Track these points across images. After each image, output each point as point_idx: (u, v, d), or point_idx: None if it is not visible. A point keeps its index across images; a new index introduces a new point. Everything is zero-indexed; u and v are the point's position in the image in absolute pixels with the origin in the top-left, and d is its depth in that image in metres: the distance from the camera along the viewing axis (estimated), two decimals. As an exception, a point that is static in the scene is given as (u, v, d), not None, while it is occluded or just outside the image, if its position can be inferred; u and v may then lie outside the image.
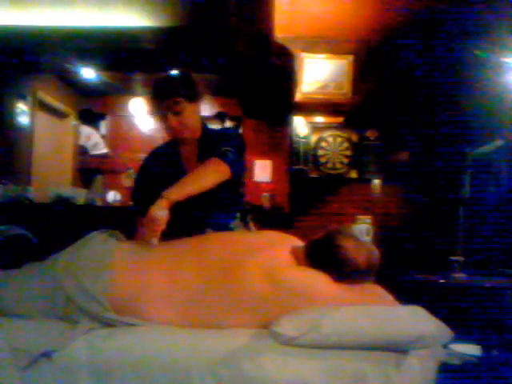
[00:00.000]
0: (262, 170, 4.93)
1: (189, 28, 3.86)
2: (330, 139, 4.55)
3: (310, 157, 4.57)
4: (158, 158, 1.99)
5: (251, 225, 2.05)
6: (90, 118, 5.82)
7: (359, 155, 4.51)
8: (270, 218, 4.25)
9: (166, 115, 1.79)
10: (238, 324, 1.41)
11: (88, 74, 4.70)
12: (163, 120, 1.82)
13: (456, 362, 2.61)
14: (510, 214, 3.70)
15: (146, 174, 2.00)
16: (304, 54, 4.46)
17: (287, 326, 1.32)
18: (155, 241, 1.52)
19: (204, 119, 2.00)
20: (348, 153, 4.53)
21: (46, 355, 1.30)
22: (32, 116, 4.75)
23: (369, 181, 4.49)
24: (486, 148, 3.14)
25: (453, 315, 1.77)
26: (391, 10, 4.35)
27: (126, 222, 2.08)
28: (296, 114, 4.56)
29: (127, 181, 5.21)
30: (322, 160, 4.55)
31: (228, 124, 5.34)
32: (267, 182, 5.06)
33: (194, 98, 1.82)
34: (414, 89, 4.37)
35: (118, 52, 4.01)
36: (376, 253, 1.53)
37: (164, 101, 1.78)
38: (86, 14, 3.84)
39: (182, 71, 1.94)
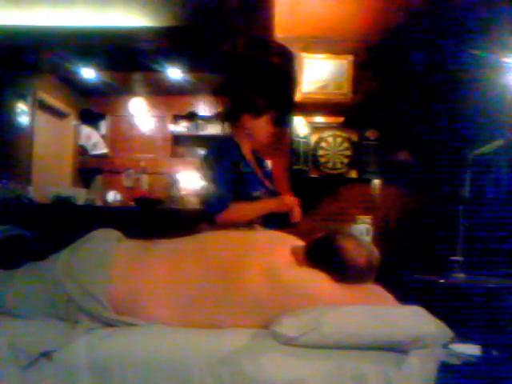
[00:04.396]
0: (261, 170, 4.92)
1: (189, 28, 3.86)
2: (330, 139, 4.55)
3: (310, 157, 4.56)
4: (233, 152, 2.17)
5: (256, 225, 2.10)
6: (90, 118, 5.81)
7: (359, 155, 4.50)
8: (269, 218, 4.23)
9: (271, 123, 2.22)
10: (238, 324, 1.41)
11: (88, 73, 4.70)
12: (267, 126, 2.21)
13: (456, 362, 2.61)
14: (509, 214, 3.70)
15: (230, 160, 2.09)
16: (304, 54, 4.45)
17: (287, 326, 1.32)
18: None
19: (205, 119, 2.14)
20: (348, 153, 4.52)
21: (46, 355, 1.30)
22: (32, 116, 4.74)
23: (369, 181, 4.48)
24: (486, 148, 3.13)
25: (453, 315, 1.77)
26: (391, 10, 4.35)
27: (125, 221, 2.08)
28: (296, 114, 4.56)
29: (127, 181, 5.20)
30: (322, 160, 4.54)
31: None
32: (267, 182, 5.04)
33: None
34: (413, 88, 4.36)
35: (118, 52, 4.01)
36: (376, 253, 1.53)
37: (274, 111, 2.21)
38: (86, 14, 3.85)
39: None
